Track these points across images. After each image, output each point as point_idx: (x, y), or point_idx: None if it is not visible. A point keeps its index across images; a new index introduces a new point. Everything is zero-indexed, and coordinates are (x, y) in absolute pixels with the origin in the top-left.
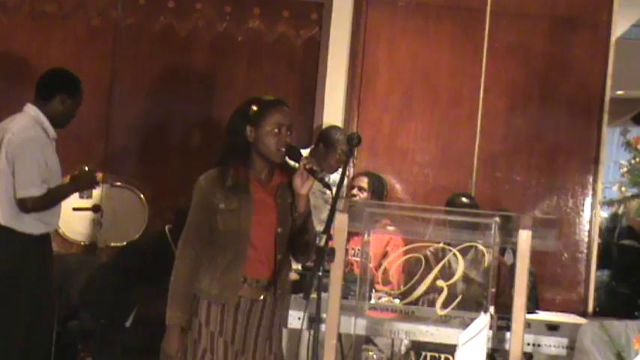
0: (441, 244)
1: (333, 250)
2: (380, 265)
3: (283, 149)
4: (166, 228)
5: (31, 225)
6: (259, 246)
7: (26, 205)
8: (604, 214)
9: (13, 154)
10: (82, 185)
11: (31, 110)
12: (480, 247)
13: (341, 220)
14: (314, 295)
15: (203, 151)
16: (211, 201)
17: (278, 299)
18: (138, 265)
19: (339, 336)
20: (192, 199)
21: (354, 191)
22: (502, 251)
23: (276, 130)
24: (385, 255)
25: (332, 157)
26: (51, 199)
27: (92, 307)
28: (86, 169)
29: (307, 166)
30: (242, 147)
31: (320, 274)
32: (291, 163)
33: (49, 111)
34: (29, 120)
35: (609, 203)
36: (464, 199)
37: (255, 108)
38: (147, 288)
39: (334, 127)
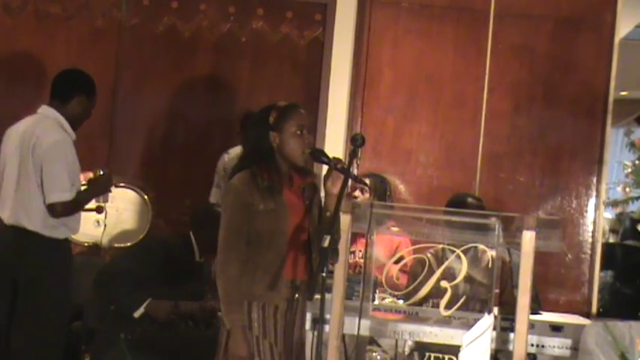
0: (441, 245)
1: (336, 251)
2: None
3: (307, 150)
4: (190, 233)
5: (56, 230)
6: (294, 246)
7: (57, 210)
8: (610, 214)
9: (42, 158)
10: (101, 189)
11: (49, 112)
12: (481, 246)
13: (345, 220)
14: (318, 296)
15: (207, 151)
16: (249, 202)
17: (307, 299)
18: (160, 260)
19: (343, 337)
20: (227, 203)
21: (356, 193)
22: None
23: (299, 132)
24: (396, 257)
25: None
26: (78, 204)
27: (105, 291)
28: (101, 172)
29: (338, 166)
30: (267, 153)
31: (324, 274)
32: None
33: (68, 113)
34: (52, 123)
35: (613, 204)
36: (471, 200)
37: (275, 114)
38: (162, 284)
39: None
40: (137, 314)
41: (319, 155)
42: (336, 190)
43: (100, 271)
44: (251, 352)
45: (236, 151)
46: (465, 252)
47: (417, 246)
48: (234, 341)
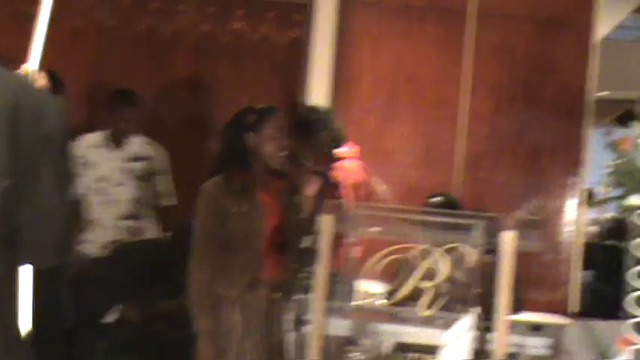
0: (426, 245)
1: (315, 252)
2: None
3: (283, 153)
4: (163, 235)
5: None
6: (271, 247)
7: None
8: (590, 214)
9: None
10: None
11: None
12: (464, 247)
13: (326, 221)
14: (299, 296)
15: (187, 152)
16: (222, 205)
17: (287, 300)
18: (133, 265)
19: (324, 337)
20: (200, 207)
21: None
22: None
23: (275, 135)
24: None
25: None
26: None
27: (79, 300)
28: None
29: (312, 168)
30: (242, 154)
31: (304, 275)
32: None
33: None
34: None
35: (594, 204)
36: (440, 200)
37: (253, 115)
38: (139, 288)
39: None
40: (111, 320)
41: (295, 157)
42: (310, 191)
43: (72, 278)
44: (217, 357)
45: (91, 137)
46: (448, 252)
47: (395, 247)
48: (200, 346)
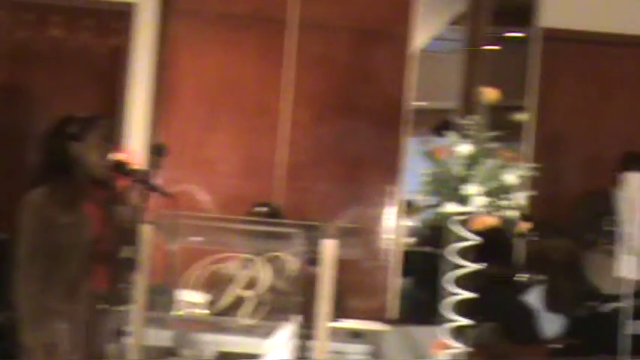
0: (248, 255)
1: (135, 261)
2: None
3: (107, 163)
4: None
5: None
6: (96, 258)
7: None
8: (408, 222)
9: None
10: None
11: None
12: (285, 256)
13: (146, 230)
14: (120, 307)
15: (3, 161)
16: (48, 216)
17: (109, 311)
18: None
19: (144, 348)
20: (24, 219)
21: None
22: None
23: (99, 144)
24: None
25: None
26: None
27: None
28: None
29: (137, 177)
30: (66, 164)
31: (125, 285)
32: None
33: None
34: None
35: (412, 212)
36: (263, 209)
37: (76, 124)
38: None
39: None
40: None
41: (119, 166)
42: (134, 200)
43: None
44: None
45: None
46: (270, 262)
47: (220, 255)
48: None
